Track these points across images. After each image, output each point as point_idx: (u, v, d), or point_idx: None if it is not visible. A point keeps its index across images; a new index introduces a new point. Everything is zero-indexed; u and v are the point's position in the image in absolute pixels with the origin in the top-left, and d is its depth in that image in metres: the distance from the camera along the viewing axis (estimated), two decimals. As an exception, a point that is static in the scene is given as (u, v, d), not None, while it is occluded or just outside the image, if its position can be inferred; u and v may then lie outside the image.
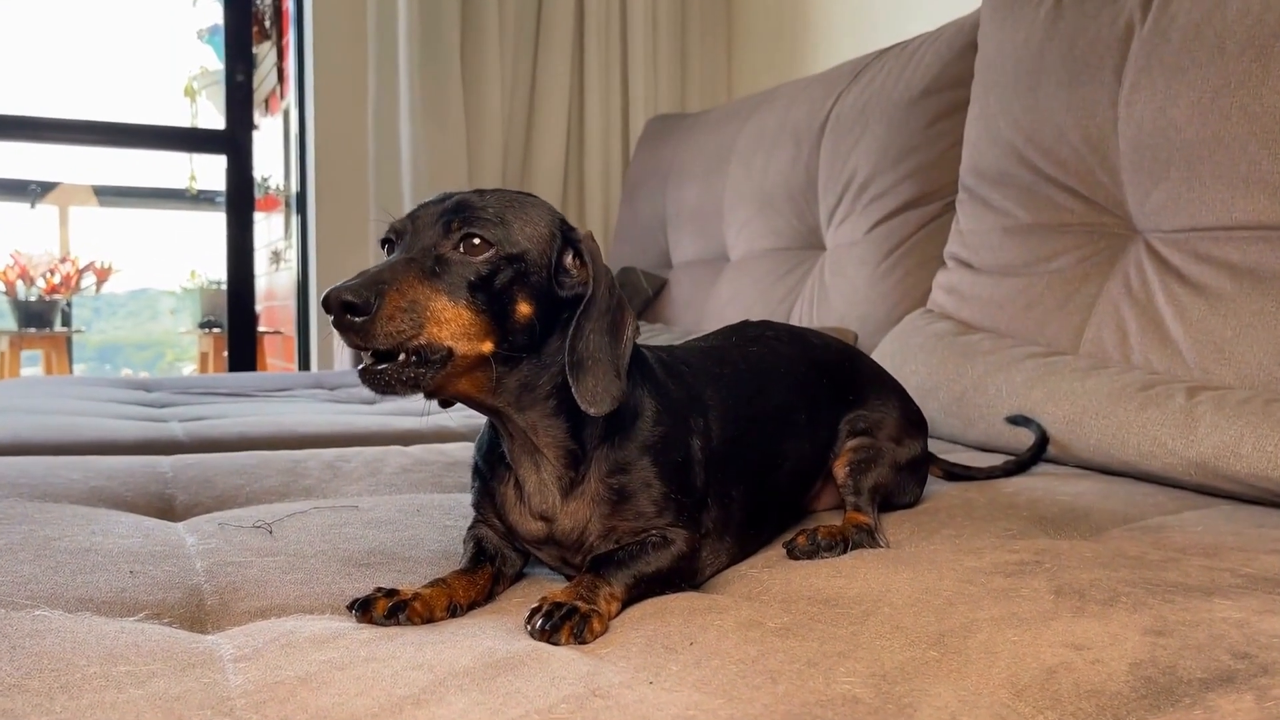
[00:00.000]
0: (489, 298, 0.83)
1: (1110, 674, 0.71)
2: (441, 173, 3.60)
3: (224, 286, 5.63)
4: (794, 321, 2.45)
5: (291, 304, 4.51)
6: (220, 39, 5.67)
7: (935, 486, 1.36)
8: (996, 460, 1.52)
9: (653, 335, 2.78)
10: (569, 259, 0.90)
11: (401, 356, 0.81)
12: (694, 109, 3.83)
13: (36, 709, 0.61)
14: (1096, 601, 0.86)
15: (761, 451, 1.10)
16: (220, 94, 5.27)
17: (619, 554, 0.91)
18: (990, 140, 1.98)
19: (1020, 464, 1.45)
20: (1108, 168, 1.74)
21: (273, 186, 4.66)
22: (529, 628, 0.82)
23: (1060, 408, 1.52)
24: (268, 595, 0.90)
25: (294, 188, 4.01)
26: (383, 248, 0.88)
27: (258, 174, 4.04)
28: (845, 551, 1.07)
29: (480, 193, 0.90)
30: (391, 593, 0.87)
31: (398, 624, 0.84)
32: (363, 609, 0.85)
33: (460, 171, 3.62)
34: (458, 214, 0.85)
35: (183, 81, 5.61)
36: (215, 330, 5.50)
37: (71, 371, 5.58)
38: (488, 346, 0.84)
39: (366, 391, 2.69)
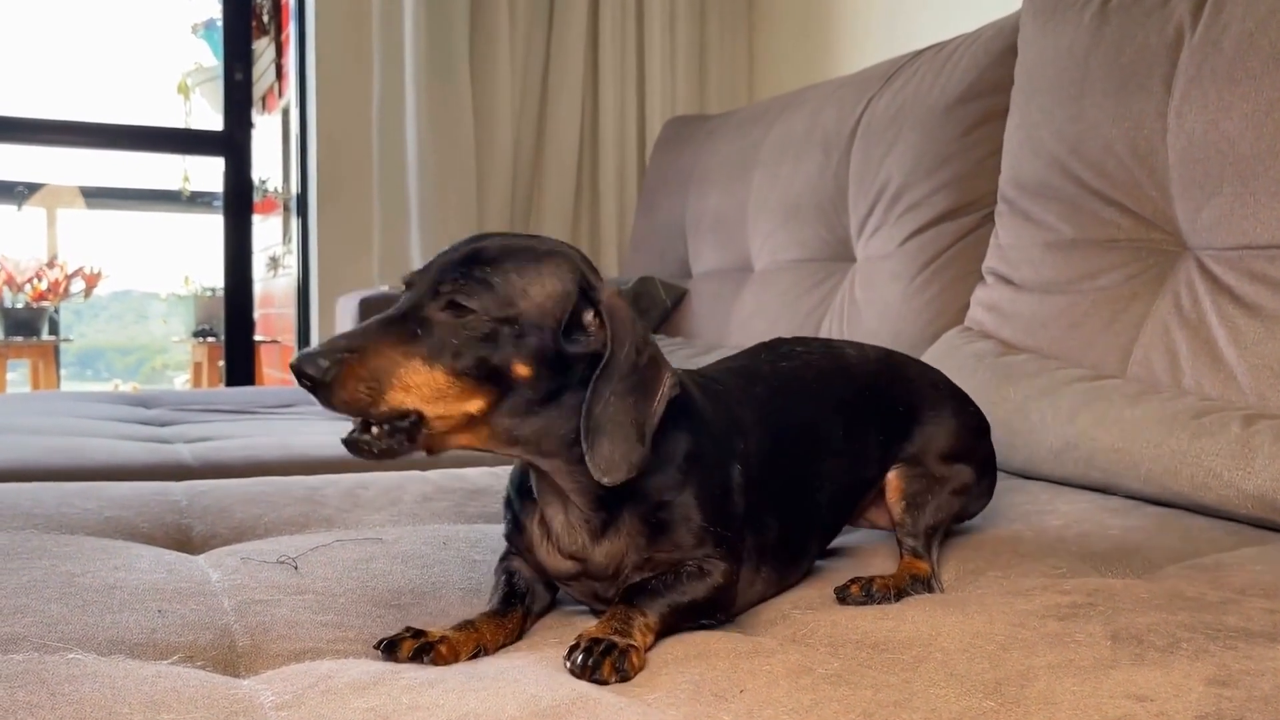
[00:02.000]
0: (475, 361, 0.85)
1: (1176, 728, 0.73)
2: (449, 175, 3.63)
3: (219, 294, 5.68)
4: (823, 335, 2.48)
5: (290, 312, 4.55)
6: (215, 34, 5.72)
7: (977, 519, 1.36)
8: (1045, 492, 1.54)
9: (672, 350, 2.80)
10: (589, 316, 0.91)
11: (374, 427, 0.84)
12: (713, 110, 3.85)
13: (87, 762, 0.63)
14: (1156, 649, 0.88)
15: (798, 475, 1.10)
16: (215, 91, 5.32)
17: (653, 583, 0.93)
18: (1032, 150, 2.00)
19: None
20: (1156, 182, 1.76)
21: (271, 189, 4.69)
22: (569, 664, 0.85)
23: (1108, 435, 1.54)
24: (299, 637, 0.93)
25: (294, 190, 4.04)
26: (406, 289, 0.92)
27: (255, 176, 4.07)
28: (899, 600, 1.08)
29: (501, 241, 0.91)
30: (419, 634, 0.90)
31: (424, 665, 0.88)
32: (389, 649, 0.89)
33: (469, 174, 3.66)
34: (454, 271, 0.87)
35: (176, 78, 5.66)
36: (210, 339, 5.54)
37: (59, 383, 5.63)
38: (475, 406, 0.86)
39: None
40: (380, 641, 0.90)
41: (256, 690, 0.80)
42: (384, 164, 3.66)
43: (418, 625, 0.93)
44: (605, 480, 0.88)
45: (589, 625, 0.89)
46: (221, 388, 4.03)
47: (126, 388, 6.07)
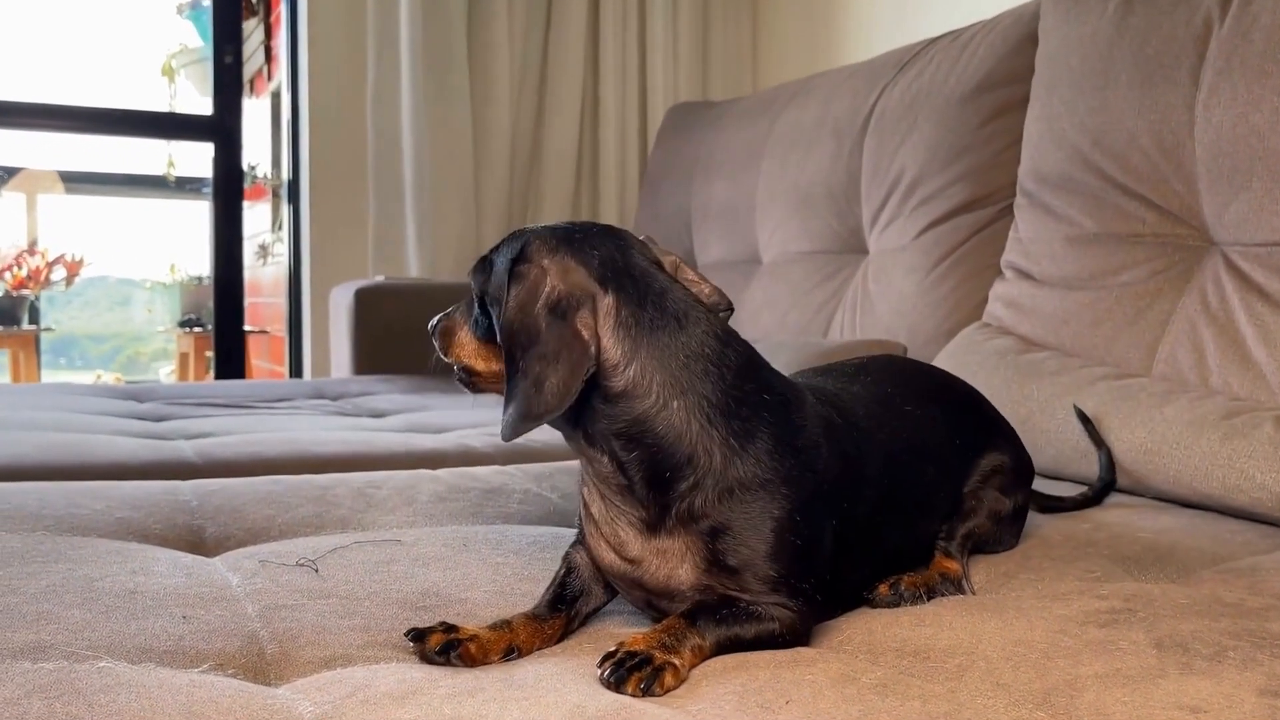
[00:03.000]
0: (484, 330, 1.01)
1: (1233, 740, 0.74)
2: (446, 161, 3.63)
3: (205, 282, 5.66)
4: (835, 332, 2.49)
5: (278, 301, 4.54)
6: (201, 14, 5.70)
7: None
8: (1070, 493, 1.55)
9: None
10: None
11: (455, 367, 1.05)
12: (716, 97, 3.85)
13: (135, 776, 0.64)
14: (1203, 657, 0.89)
15: (893, 531, 1.10)
16: (200, 73, 5.30)
17: (722, 611, 0.92)
18: (1053, 142, 2.01)
19: (1087, 499, 1.49)
20: (1183, 176, 1.77)
21: (260, 174, 4.68)
22: (599, 672, 0.85)
23: (1136, 435, 1.55)
24: (328, 643, 0.93)
25: (284, 176, 4.03)
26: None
27: (244, 162, 4.06)
28: (928, 600, 1.09)
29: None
30: (450, 628, 0.92)
31: (448, 663, 0.89)
32: (418, 638, 0.91)
33: (466, 161, 3.65)
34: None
35: (159, 59, 5.63)
36: (197, 329, 5.53)
37: (40, 374, 5.61)
38: (500, 366, 0.97)
39: (374, 403, 2.71)
40: (411, 630, 0.92)
41: (294, 701, 0.80)
42: (378, 150, 3.65)
43: (449, 622, 0.94)
44: (501, 439, 0.96)
45: (635, 633, 0.89)
46: (213, 380, 4.02)
47: (109, 378, 6.05)
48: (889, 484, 1.08)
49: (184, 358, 5.63)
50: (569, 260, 0.94)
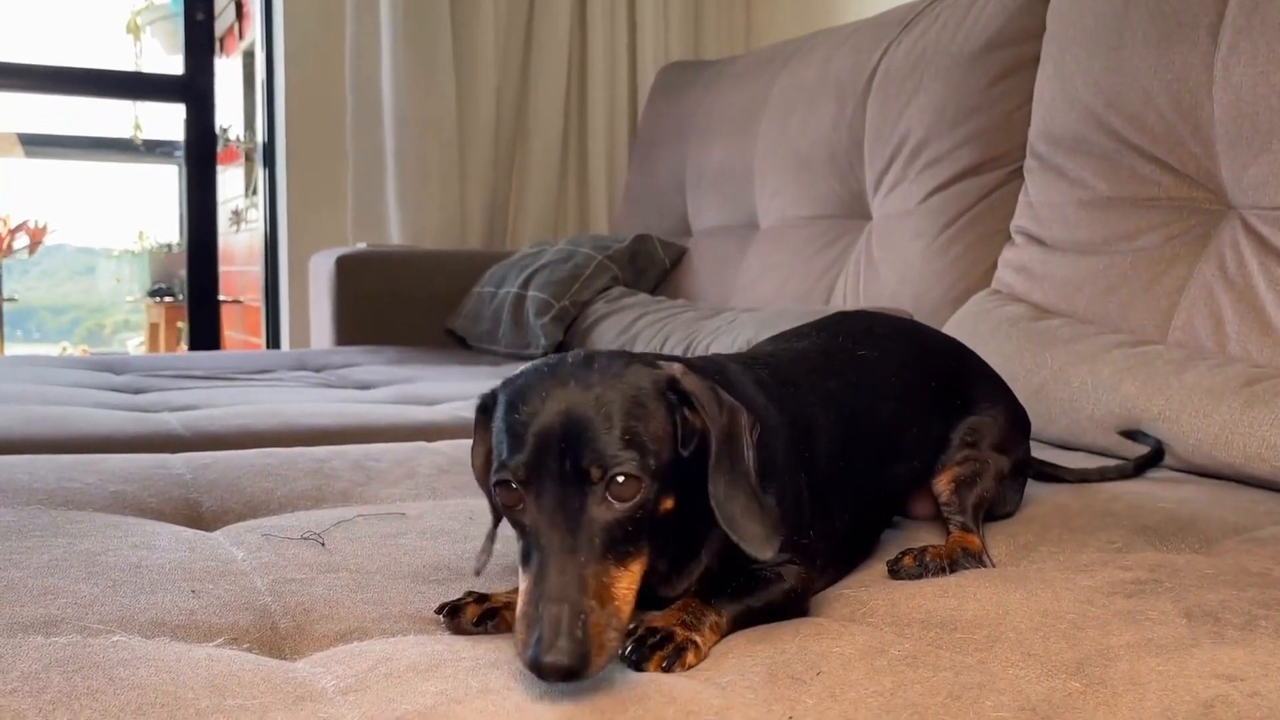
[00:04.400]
0: (637, 527, 0.82)
1: (1272, 708, 0.76)
2: (428, 123, 3.61)
3: (175, 250, 5.63)
4: (837, 300, 2.50)
5: (253, 269, 4.53)
6: (169, -31, 5.63)
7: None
8: (1086, 462, 1.57)
9: (675, 313, 2.82)
10: (685, 414, 0.88)
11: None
12: (708, 57, 3.85)
13: (167, 749, 0.65)
14: (1234, 626, 0.91)
15: (870, 476, 1.14)
16: (168, 30, 5.25)
17: (733, 585, 0.94)
18: (1065, 103, 2.02)
19: (1121, 472, 1.50)
20: (1200, 137, 1.78)
21: (232, 137, 4.65)
22: (621, 650, 0.86)
23: (1154, 404, 1.57)
24: (342, 617, 0.94)
25: (259, 139, 4.01)
26: (496, 489, 0.85)
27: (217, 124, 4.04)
28: (950, 573, 1.11)
29: (587, 386, 0.84)
30: (482, 598, 0.94)
31: (486, 632, 0.91)
32: (452, 614, 0.92)
33: (449, 123, 3.64)
34: (588, 451, 0.81)
35: (124, 16, 5.57)
36: (168, 299, 5.50)
37: (3, 346, 5.57)
38: (639, 566, 0.84)
39: (359, 374, 2.61)
40: (442, 606, 0.93)
41: (314, 674, 0.81)
42: (358, 112, 3.63)
43: (479, 591, 0.95)
44: (767, 556, 0.89)
45: (654, 612, 0.91)
46: (188, 352, 4.01)
47: (75, 351, 6.02)
48: (847, 427, 1.11)
49: (154, 329, 5.61)
50: None
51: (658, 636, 0.86)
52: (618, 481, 0.81)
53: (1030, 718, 0.74)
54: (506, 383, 0.89)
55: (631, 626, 0.88)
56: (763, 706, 0.76)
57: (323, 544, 1.13)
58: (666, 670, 0.84)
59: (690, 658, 0.86)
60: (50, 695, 0.72)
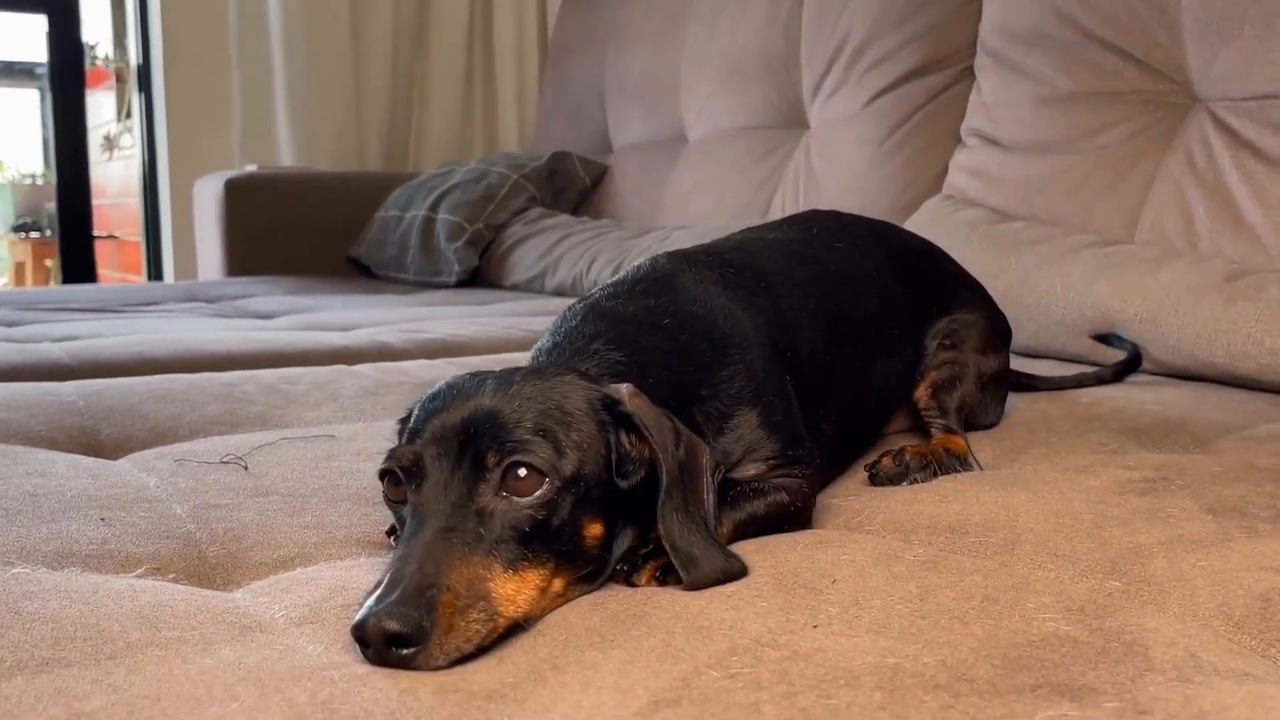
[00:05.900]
0: (548, 540, 0.73)
1: (1332, 597, 0.72)
2: (320, 37, 3.46)
3: (41, 181, 5.36)
4: (775, 212, 2.44)
5: (130, 202, 4.32)
6: None
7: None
8: (1055, 370, 1.54)
9: (600, 233, 2.73)
10: (623, 438, 0.80)
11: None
12: (626, -39, 3.74)
13: (97, 685, 0.56)
14: (1264, 520, 0.88)
15: (852, 374, 1.10)
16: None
17: (731, 494, 0.90)
18: (1021, -6, 1.97)
19: (1099, 378, 1.47)
20: (1167, 25, 1.74)
21: (100, 56, 4.41)
22: (617, 567, 0.80)
23: (1130, 305, 1.53)
24: (279, 543, 0.86)
25: (132, 58, 3.80)
26: (381, 479, 0.77)
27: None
28: (934, 476, 1.07)
29: (505, 388, 0.77)
30: None
31: None
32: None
33: (343, 34, 3.49)
34: (488, 439, 0.74)
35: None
36: (34, 235, 5.24)
37: None
38: (559, 585, 0.74)
39: (256, 304, 2.47)
40: (392, 528, 0.86)
41: (258, 604, 0.73)
42: (242, 26, 3.47)
43: None
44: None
45: None
46: (63, 286, 3.81)
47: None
48: (828, 320, 1.08)
49: (19, 267, 5.35)
50: None
51: (650, 547, 0.80)
52: (517, 474, 0.73)
53: (1082, 619, 0.69)
54: (428, 394, 0.81)
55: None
56: (780, 616, 0.70)
57: (245, 468, 1.04)
58: (661, 583, 0.78)
59: None
60: (-57, 636, 0.63)
